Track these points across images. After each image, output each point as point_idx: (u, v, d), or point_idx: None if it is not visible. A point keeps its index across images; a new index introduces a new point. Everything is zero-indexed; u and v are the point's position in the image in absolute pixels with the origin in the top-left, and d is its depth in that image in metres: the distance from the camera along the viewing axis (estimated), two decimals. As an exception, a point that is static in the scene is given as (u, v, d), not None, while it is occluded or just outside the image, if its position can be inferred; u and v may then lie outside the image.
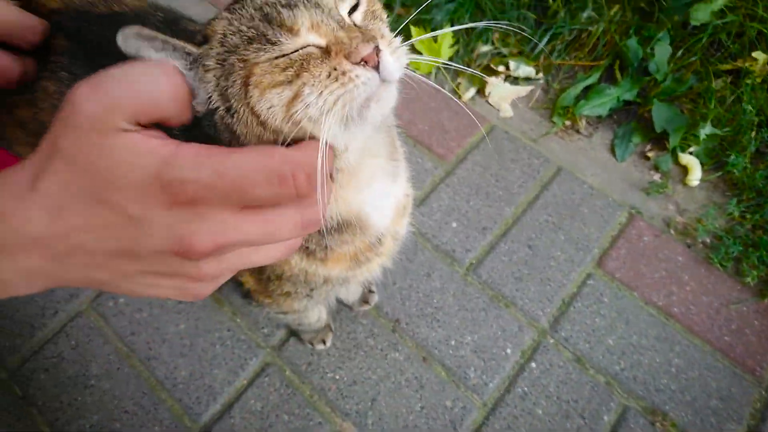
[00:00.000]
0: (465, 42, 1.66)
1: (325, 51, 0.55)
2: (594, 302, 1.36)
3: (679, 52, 1.53)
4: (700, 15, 1.50)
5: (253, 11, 0.56)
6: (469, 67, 1.65)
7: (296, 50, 0.55)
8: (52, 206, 0.48)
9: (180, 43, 0.55)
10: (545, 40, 1.61)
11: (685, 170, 1.52)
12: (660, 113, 1.49)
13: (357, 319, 1.35)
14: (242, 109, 0.55)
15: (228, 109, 0.56)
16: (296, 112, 0.53)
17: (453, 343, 1.32)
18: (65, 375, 1.33)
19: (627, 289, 1.38)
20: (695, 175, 1.50)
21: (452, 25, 1.65)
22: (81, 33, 0.88)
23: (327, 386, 1.29)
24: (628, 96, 1.54)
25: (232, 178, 0.47)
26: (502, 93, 1.60)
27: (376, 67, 0.53)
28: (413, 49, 1.67)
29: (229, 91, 0.56)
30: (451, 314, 1.34)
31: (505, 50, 1.64)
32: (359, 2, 0.61)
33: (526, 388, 1.27)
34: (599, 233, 1.44)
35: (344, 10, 0.58)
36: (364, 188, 0.74)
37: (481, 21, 1.65)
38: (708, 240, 1.44)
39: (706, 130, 1.49)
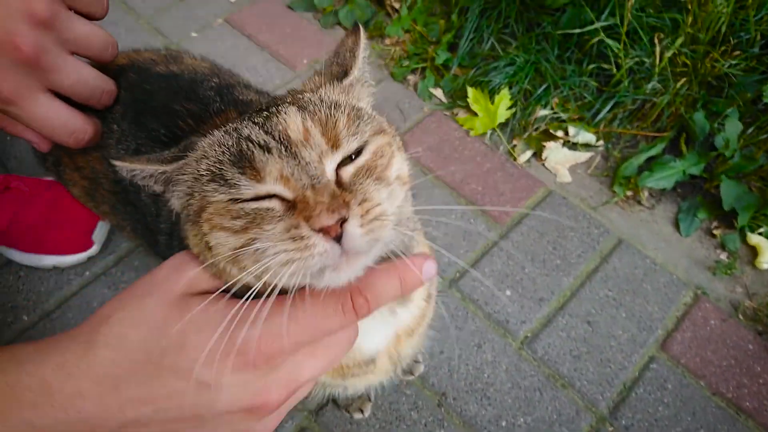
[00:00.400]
0: (523, 105, 1.64)
1: (291, 205, 0.51)
2: (657, 389, 1.26)
3: (750, 129, 1.47)
4: (772, 92, 1.46)
5: (234, 141, 0.54)
6: (526, 130, 1.62)
7: (255, 198, 0.52)
8: (106, 378, 0.48)
9: (152, 168, 0.57)
10: (607, 107, 1.58)
11: (754, 251, 1.44)
12: (729, 190, 1.43)
13: (401, 388, 1.27)
14: (196, 228, 0.55)
15: (186, 216, 0.58)
16: (242, 260, 0.51)
17: (504, 423, 1.22)
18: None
19: (693, 377, 1.28)
20: (766, 257, 1.41)
21: (511, 88, 1.64)
22: (135, 90, 0.88)
23: (365, 458, 1.21)
24: (694, 170, 1.48)
25: (310, 323, 0.50)
26: (559, 158, 1.57)
27: (338, 238, 0.48)
28: (469, 110, 1.66)
29: (190, 205, 0.56)
30: (503, 391, 1.26)
31: (564, 115, 1.61)
32: (362, 152, 0.56)
33: (583, 481, 1.16)
34: (663, 313, 1.35)
35: (331, 164, 0.53)
36: None
37: (540, 86, 1.64)
38: (782, 329, 1.34)
39: (777, 211, 1.42)
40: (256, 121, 0.56)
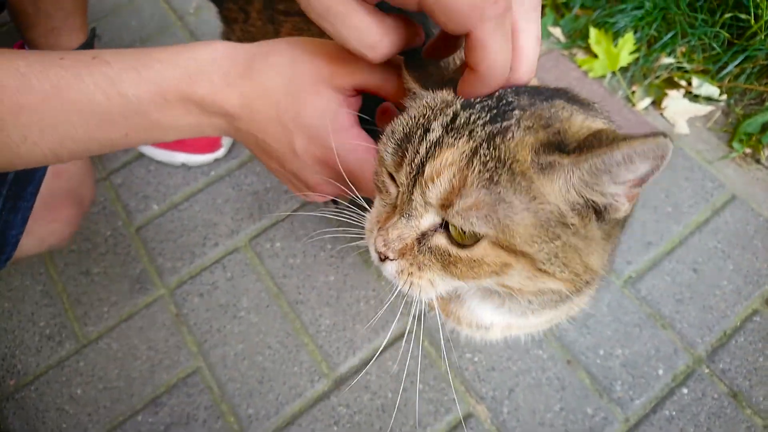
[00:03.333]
0: (646, 51, 1.61)
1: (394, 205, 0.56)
2: (759, 340, 1.28)
3: None
4: None
5: (416, 124, 0.51)
6: (647, 77, 1.59)
7: (389, 175, 0.56)
8: (248, 99, 0.58)
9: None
10: (737, 61, 1.53)
11: None
12: None
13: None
14: None
15: None
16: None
17: (602, 352, 1.28)
18: (217, 303, 1.41)
19: (796, 335, 1.29)
20: None
21: (635, 33, 1.60)
22: None
23: (464, 366, 1.29)
24: (825, 133, 1.43)
25: (362, 177, 0.59)
26: (679, 108, 1.54)
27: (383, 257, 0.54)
28: (589, 51, 1.64)
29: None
30: (603, 324, 1.31)
31: (688, 66, 1.58)
32: (473, 245, 0.48)
33: (674, 412, 1.21)
34: (772, 270, 1.35)
35: (427, 220, 0.50)
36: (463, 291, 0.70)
37: (667, 33, 1.59)
38: None
39: None
40: (453, 121, 0.49)
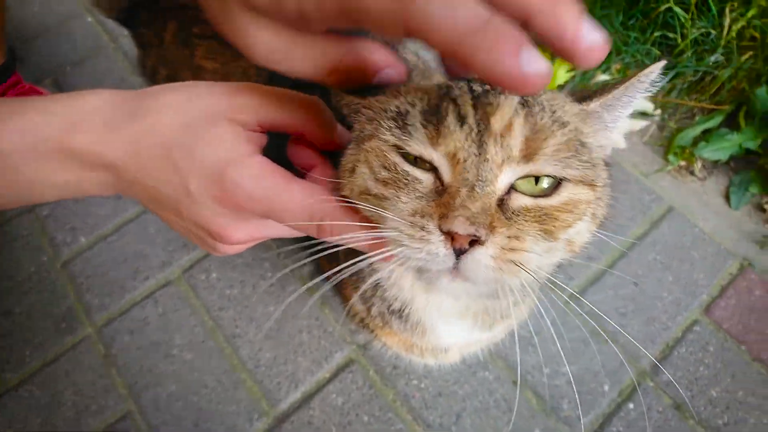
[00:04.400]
0: (583, 69, 1.64)
1: (439, 190, 0.47)
2: (699, 350, 1.29)
3: (811, 107, 1.47)
4: (836, 72, 1.45)
5: (438, 96, 0.50)
6: (583, 93, 1.62)
7: (416, 159, 0.48)
8: (135, 145, 0.51)
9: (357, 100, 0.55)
10: (668, 77, 1.57)
11: (803, 229, 1.45)
12: (784, 166, 1.43)
13: (450, 329, 1.31)
14: (355, 149, 0.53)
15: (357, 135, 0.55)
16: (366, 203, 0.50)
17: (548, 371, 1.26)
18: (149, 340, 1.33)
19: (734, 342, 1.30)
20: (814, 236, 1.43)
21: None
22: None
23: (411, 393, 1.25)
24: (751, 145, 1.48)
25: (277, 206, 0.50)
26: (615, 124, 1.57)
27: (459, 253, 0.43)
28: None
29: (364, 130, 0.53)
30: (548, 341, 1.27)
31: (622, 82, 1.61)
32: (553, 192, 0.47)
33: (621, 429, 1.20)
34: (708, 280, 1.38)
35: (509, 174, 0.46)
36: (432, 311, 0.68)
37: (600, 50, 1.63)
38: (825, 305, 1.36)
39: (830, 191, 1.42)
40: (473, 88, 0.50)
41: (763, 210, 1.48)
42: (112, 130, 0.50)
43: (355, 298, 0.80)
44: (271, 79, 0.86)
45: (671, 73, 1.58)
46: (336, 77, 0.49)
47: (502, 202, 0.46)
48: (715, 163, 1.54)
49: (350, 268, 0.52)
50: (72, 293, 1.39)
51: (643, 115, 1.59)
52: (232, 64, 0.86)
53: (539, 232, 0.46)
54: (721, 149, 1.48)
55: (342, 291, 0.90)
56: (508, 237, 0.44)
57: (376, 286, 0.69)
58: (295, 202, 0.50)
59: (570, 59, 0.36)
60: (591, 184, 0.50)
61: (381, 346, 0.91)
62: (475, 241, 0.43)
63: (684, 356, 1.28)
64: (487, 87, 0.50)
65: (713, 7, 1.51)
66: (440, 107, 0.48)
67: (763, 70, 1.51)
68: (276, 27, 0.46)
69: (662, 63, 0.51)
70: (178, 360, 1.30)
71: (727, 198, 1.49)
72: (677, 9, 1.52)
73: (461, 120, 0.47)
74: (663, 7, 1.55)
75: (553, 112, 0.48)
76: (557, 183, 0.48)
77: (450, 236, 0.43)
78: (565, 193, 0.48)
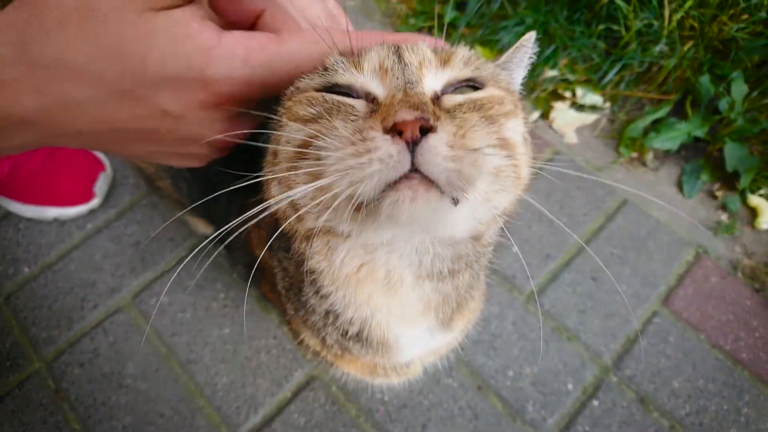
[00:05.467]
0: (531, 66, 1.64)
1: (374, 110, 0.45)
2: (659, 341, 1.29)
3: (754, 93, 1.49)
4: (777, 56, 1.48)
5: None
6: (533, 91, 1.62)
7: (348, 85, 0.48)
8: (50, 93, 0.41)
9: None
10: (615, 69, 1.58)
11: (754, 212, 1.47)
12: (732, 153, 1.45)
13: (411, 338, 1.29)
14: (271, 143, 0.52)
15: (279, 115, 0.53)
16: (304, 167, 0.44)
17: (511, 373, 1.25)
18: (100, 372, 1.27)
19: (693, 331, 1.31)
20: (765, 218, 1.45)
21: (519, 48, 1.63)
22: None
23: (375, 407, 1.22)
24: (699, 133, 1.50)
25: (287, 70, 0.47)
26: (567, 119, 1.57)
27: (412, 145, 0.39)
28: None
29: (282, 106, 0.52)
30: (509, 343, 1.28)
31: (571, 77, 1.61)
32: (476, 85, 0.51)
33: (587, 427, 1.19)
34: (666, 270, 1.38)
35: (431, 79, 0.49)
36: (395, 320, 0.64)
37: (549, 47, 1.63)
38: (779, 287, 1.38)
39: (777, 174, 1.45)
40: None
41: (715, 197, 1.50)
42: (9, 76, 0.40)
43: (306, 334, 0.76)
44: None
45: (618, 65, 1.59)
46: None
47: (435, 102, 0.47)
48: (666, 153, 1.55)
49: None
50: (16, 328, 1.33)
51: (593, 108, 1.59)
52: None
53: (480, 119, 0.46)
54: (671, 139, 1.49)
55: (290, 326, 0.86)
56: (458, 126, 0.42)
57: (327, 314, 0.65)
58: (298, 40, 0.48)
59: None
60: (507, 89, 0.54)
61: (342, 375, 0.88)
62: (426, 130, 0.39)
63: (645, 349, 1.28)
64: None
65: (654, -1, 1.53)
66: (360, 51, 0.51)
67: (705, 59, 1.53)
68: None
69: (533, 32, 0.61)
70: (132, 390, 1.25)
71: (680, 187, 1.51)
72: (619, 1, 1.53)
73: (378, 48, 0.50)
74: (605, 0, 1.55)
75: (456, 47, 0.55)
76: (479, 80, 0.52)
77: (397, 132, 0.39)
78: (489, 90, 0.51)
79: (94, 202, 1.43)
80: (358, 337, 0.66)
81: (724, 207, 1.48)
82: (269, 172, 0.49)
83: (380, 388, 1.23)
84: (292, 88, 0.51)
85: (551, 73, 1.62)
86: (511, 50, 0.61)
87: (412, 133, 0.39)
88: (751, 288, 1.38)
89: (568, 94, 1.60)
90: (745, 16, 1.49)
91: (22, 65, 0.40)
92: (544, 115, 1.59)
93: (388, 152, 0.39)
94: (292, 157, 0.45)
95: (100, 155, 1.48)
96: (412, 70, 0.48)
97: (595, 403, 1.22)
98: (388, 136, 0.39)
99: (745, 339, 1.32)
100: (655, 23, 1.55)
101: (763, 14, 1.49)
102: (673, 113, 1.57)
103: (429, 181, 0.39)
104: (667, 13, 1.50)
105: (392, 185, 0.40)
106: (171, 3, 0.43)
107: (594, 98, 1.58)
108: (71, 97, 0.41)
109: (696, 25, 1.51)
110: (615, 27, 1.59)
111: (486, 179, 0.43)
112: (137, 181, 1.49)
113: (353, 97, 0.48)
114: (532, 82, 1.62)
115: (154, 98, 0.43)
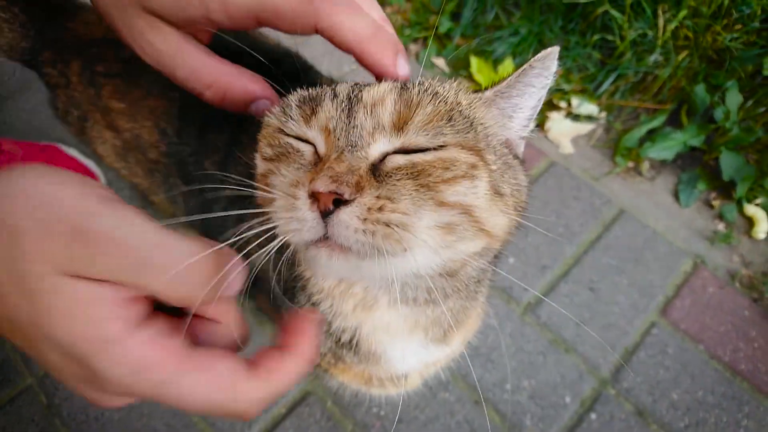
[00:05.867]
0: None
1: (315, 162, 0.48)
2: (658, 353, 1.28)
3: (749, 102, 1.49)
4: (772, 66, 1.48)
5: (323, 89, 0.53)
6: (529, 100, 1.62)
7: (296, 137, 0.51)
8: None
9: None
10: (610, 79, 1.58)
11: (750, 222, 1.47)
12: (728, 162, 1.45)
13: (407, 351, 1.28)
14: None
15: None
16: (261, 191, 0.50)
17: (509, 387, 1.24)
18: (93, 387, 1.25)
19: (692, 342, 1.30)
20: (761, 228, 1.44)
21: (514, 58, 1.63)
22: None
23: (371, 422, 1.21)
24: (695, 142, 1.50)
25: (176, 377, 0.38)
26: (562, 129, 1.57)
27: (326, 214, 0.41)
28: (471, 79, 1.65)
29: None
30: (507, 356, 1.27)
31: (567, 87, 1.61)
32: (427, 152, 0.47)
33: (585, 441, 1.18)
34: (663, 281, 1.37)
35: (381, 144, 0.47)
36: (380, 332, 0.64)
37: (543, 56, 1.63)
38: (777, 297, 1.37)
39: (774, 183, 1.44)
40: (359, 84, 0.53)
41: (711, 206, 1.49)
42: None
43: None
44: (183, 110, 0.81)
45: (613, 75, 1.59)
46: (213, 93, 0.54)
47: (375, 168, 0.46)
48: (663, 163, 1.55)
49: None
50: (8, 343, 1.31)
51: (588, 118, 1.59)
52: (139, 104, 0.82)
53: (415, 189, 0.45)
54: (667, 148, 1.49)
55: None
56: (378, 197, 0.43)
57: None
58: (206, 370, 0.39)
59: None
60: (473, 148, 0.49)
61: (338, 385, 0.87)
62: (340, 202, 0.41)
63: (644, 360, 1.27)
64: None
65: (647, 9, 1.53)
66: (318, 94, 0.52)
67: (700, 69, 1.53)
68: (167, 33, 0.51)
69: (556, 48, 0.52)
70: (125, 406, 1.23)
71: (677, 196, 1.50)
72: (614, 12, 1.53)
73: (334, 96, 0.50)
74: (600, 10, 1.56)
75: (428, 89, 0.51)
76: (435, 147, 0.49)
77: (315, 199, 0.42)
78: (441, 152, 0.48)
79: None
80: (350, 345, 0.66)
81: (720, 216, 1.47)
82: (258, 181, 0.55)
83: (377, 402, 1.22)
84: (266, 119, 0.54)
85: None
86: (516, 73, 0.53)
87: (325, 204, 0.41)
88: (749, 298, 1.38)
89: (563, 104, 1.59)
90: (738, 26, 1.49)
91: None
92: (540, 125, 1.59)
93: (304, 216, 0.42)
94: (258, 180, 0.52)
95: (94, 167, 1.47)
96: (361, 134, 0.47)
97: (593, 416, 1.21)
98: (308, 201, 0.42)
99: (743, 350, 1.31)
100: (650, 33, 1.55)
101: (756, 24, 1.50)
102: (669, 123, 1.57)
103: (341, 244, 0.43)
104: (661, 23, 1.50)
105: (316, 241, 0.43)
106: (92, 274, 0.36)
107: (589, 108, 1.58)
108: None
109: (690, 35, 1.51)
110: (610, 37, 1.59)
111: (427, 235, 0.44)
112: (131, 194, 1.48)
113: (305, 141, 0.50)
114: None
115: (41, 348, 0.37)
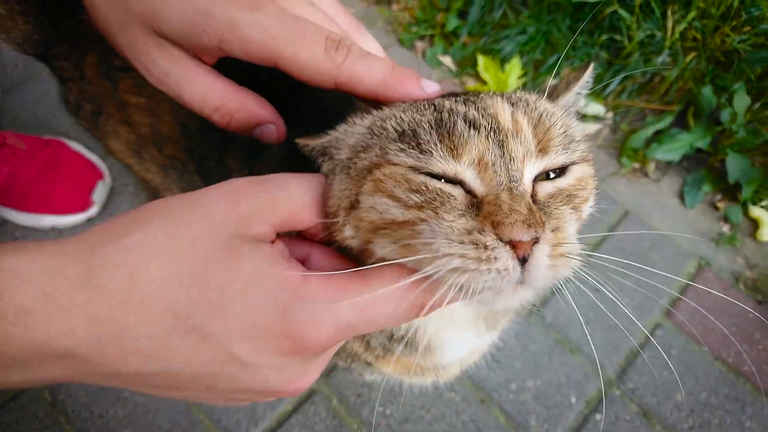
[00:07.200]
0: (533, 75, 1.63)
1: (473, 203, 0.44)
2: (662, 354, 1.29)
3: (756, 105, 1.49)
4: (780, 68, 1.48)
5: (432, 111, 0.47)
6: (536, 100, 1.61)
7: (441, 176, 0.45)
8: (108, 322, 0.37)
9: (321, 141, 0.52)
10: (617, 80, 1.58)
11: (755, 224, 1.47)
12: (734, 164, 1.45)
13: (413, 351, 1.28)
14: (350, 183, 0.47)
15: (343, 168, 0.49)
16: (397, 238, 0.44)
17: (514, 387, 1.24)
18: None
19: (696, 343, 1.31)
20: (766, 230, 1.45)
21: (522, 57, 1.63)
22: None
23: (377, 421, 1.21)
24: (701, 144, 1.50)
25: (368, 317, 0.42)
26: (569, 129, 1.57)
27: (523, 261, 0.41)
28: (479, 78, 1.64)
29: (356, 161, 0.48)
30: (513, 356, 1.27)
31: (573, 86, 1.61)
32: (565, 173, 0.48)
33: (590, 442, 1.19)
34: (668, 282, 1.38)
35: (532, 170, 0.46)
36: (445, 327, 0.64)
37: (551, 56, 1.63)
38: (780, 299, 1.38)
39: (779, 185, 1.45)
40: (456, 100, 0.49)
41: (717, 208, 1.50)
42: (59, 306, 0.36)
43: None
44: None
45: (621, 75, 1.58)
46: (221, 117, 0.53)
47: (533, 199, 0.45)
48: (668, 164, 1.55)
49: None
50: (12, 339, 1.31)
51: (595, 118, 1.59)
52: (159, 98, 0.81)
53: (571, 213, 0.46)
54: (673, 150, 1.49)
55: None
56: (553, 231, 0.43)
57: None
58: (388, 302, 0.43)
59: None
60: (588, 160, 0.52)
61: (378, 377, 0.87)
62: (534, 243, 0.41)
63: (648, 361, 1.28)
64: (464, 97, 0.51)
65: (656, 10, 1.53)
66: (443, 119, 0.46)
67: (707, 70, 1.53)
68: (175, 55, 0.50)
69: (592, 64, 0.57)
70: (131, 403, 1.23)
71: (682, 198, 1.50)
72: (622, 12, 1.52)
73: (472, 125, 0.45)
74: (609, 11, 1.55)
75: (538, 108, 0.50)
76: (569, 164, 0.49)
77: (513, 246, 0.40)
78: (576, 172, 0.49)
79: (92, 211, 1.41)
80: (404, 339, 0.66)
81: (725, 218, 1.48)
82: (340, 215, 0.47)
83: (383, 401, 1.22)
84: (378, 153, 0.47)
85: (553, 82, 1.61)
86: (579, 84, 0.57)
87: (525, 251, 0.40)
88: (753, 300, 1.38)
89: (570, 103, 1.59)
90: (747, 28, 1.49)
91: (86, 290, 0.37)
92: (547, 125, 1.59)
93: (506, 265, 0.40)
94: (380, 226, 0.45)
95: (98, 162, 1.46)
96: (517, 165, 0.44)
97: (598, 416, 1.21)
98: (508, 248, 0.40)
99: (747, 351, 1.31)
100: (658, 34, 1.55)
101: (765, 26, 1.50)
102: (675, 124, 1.57)
103: (527, 287, 0.43)
104: (669, 24, 1.50)
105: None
106: (262, 235, 0.42)
107: (596, 108, 1.58)
108: (131, 331, 0.37)
109: (698, 36, 1.51)
110: (617, 37, 1.59)
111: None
112: (136, 190, 1.47)
113: (449, 182, 0.45)
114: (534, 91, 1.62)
115: (225, 341, 0.39)
